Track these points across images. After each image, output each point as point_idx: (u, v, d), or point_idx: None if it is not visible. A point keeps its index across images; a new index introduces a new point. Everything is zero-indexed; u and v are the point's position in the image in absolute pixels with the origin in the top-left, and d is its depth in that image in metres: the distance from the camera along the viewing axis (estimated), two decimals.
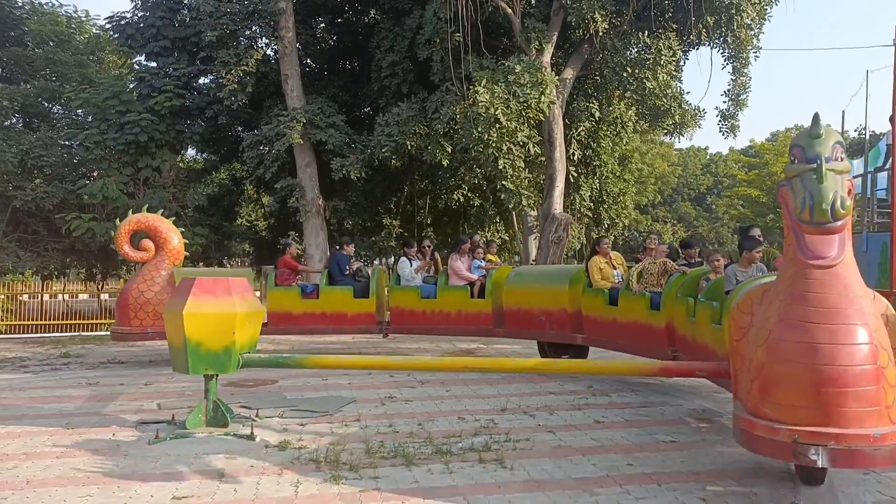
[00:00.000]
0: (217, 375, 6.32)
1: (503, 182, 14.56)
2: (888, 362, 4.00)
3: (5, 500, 4.56)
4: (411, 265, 10.69)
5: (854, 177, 15.53)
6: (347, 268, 10.75)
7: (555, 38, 15.79)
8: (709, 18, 15.48)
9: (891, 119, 9.71)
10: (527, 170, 15.58)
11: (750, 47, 16.31)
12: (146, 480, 4.93)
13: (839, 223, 4.04)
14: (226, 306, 6.11)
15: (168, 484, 4.85)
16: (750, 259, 6.74)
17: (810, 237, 4.09)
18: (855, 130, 41.76)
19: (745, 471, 5.10)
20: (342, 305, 10.45)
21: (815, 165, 4.11)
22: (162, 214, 10.80)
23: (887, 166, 12.63)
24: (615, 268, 8.89)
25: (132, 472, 5.12)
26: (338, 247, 12.54)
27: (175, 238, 10.32)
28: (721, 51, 16.57)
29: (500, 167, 14.26)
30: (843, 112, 39.64)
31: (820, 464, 3.92)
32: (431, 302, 10.31)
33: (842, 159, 4.27)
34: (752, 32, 16.21)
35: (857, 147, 31.81)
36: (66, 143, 19.60)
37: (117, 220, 10.58)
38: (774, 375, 4.11)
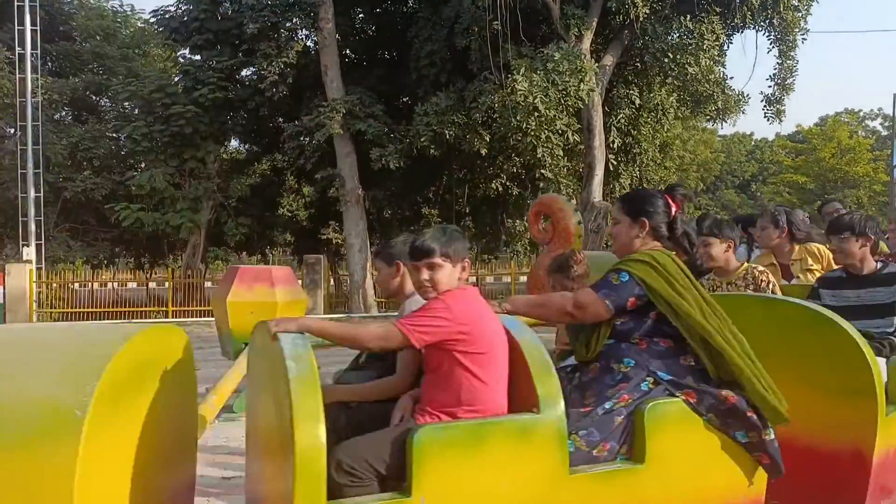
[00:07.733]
0: None
1: (542, 171, 14.53)
2: None
3: None
4: None
5: None
6: None
7: (594, 24, 15.60)
8: (754, 1, 15.11)
9: None
10: (566, 158, 15.50)
11: (797, 29, 15.86)
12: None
13: None
14: (296, 294, 6.55)
15: (217, 465, 5.02)
16: None
17: None
18: None
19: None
20: None
21: None
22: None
23: None
24: None
25: None
26: None
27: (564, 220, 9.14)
28: (767, 34, 16.15)
29: (539, 156, 14.21)
30: (895, 95, 38.27)
31: None
32: None
33: None
34: (800, 14, 15.76)
35: None
36: (114, 135, 20.16)
37: None
38: None
